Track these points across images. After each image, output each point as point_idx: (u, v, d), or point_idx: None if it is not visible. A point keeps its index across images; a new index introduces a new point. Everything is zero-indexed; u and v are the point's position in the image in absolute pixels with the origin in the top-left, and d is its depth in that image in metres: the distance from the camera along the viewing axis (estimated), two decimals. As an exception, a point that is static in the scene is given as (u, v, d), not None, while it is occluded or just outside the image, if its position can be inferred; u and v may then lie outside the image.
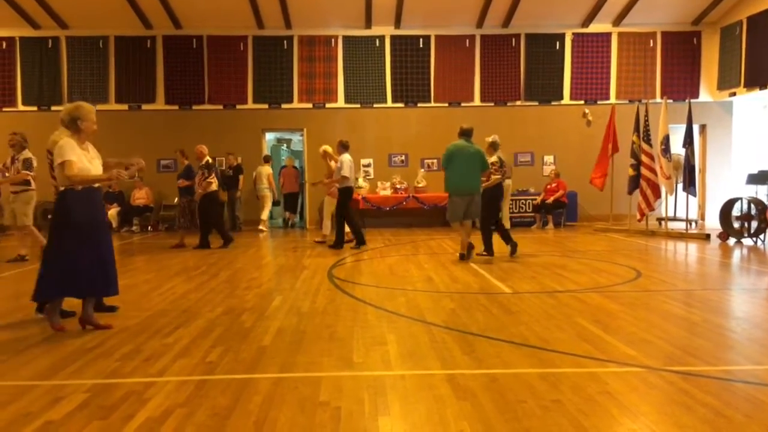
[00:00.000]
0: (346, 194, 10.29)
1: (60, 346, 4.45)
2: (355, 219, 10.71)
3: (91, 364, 4.00)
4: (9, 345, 4.49)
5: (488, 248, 9.02)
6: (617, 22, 15.00)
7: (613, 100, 15.01)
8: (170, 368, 3.88)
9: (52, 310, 4.95)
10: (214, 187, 10.64)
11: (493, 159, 9.18)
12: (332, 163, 10.76)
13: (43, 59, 14.73)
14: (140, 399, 3.33)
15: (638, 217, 12.21)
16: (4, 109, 14.72)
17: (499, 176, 9.18)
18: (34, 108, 14.75)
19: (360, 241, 10.38)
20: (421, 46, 15.04)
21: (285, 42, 14.93)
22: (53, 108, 14.75)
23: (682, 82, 15.20)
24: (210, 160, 10.69)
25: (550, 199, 13.80)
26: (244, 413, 3.12)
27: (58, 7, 14.12)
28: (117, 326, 5.01)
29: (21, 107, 14.76)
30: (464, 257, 8.72)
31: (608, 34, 15.19)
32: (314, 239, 11.71)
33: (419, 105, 15.13)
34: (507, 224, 13.32)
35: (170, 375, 3.75)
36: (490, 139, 9.56)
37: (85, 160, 4.88)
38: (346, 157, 10.30)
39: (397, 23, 14.81)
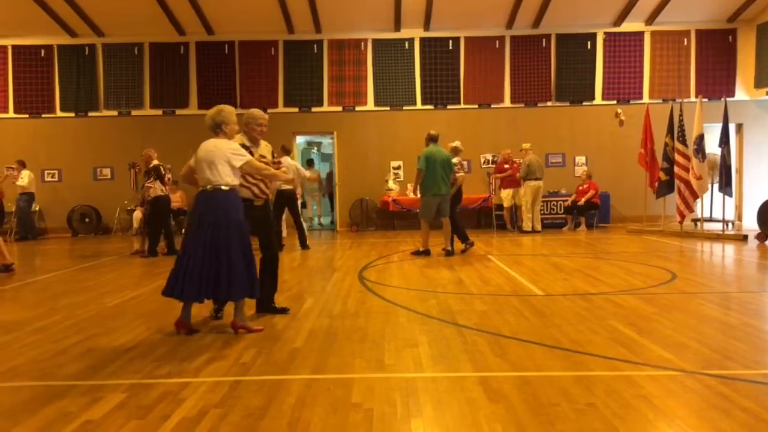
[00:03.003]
0: (280, 198, 10.28)
1: (98, 347, 4.55)
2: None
3: (128, 364, 4.08)
4: (47, 346, 4.60)
5: (465, 237, 9.93)
6: (650, 20, 14.78)
7: (646, 99, 14.79)
8: (204, 369, 3.94)
9: (183, 311, 4.92)
10: (158, 192, 10.31)
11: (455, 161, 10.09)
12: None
13: (80, 66, 15.09)
14: (176, 399, 3.39)
15: (678, 219, 11.96)
16: (44, 116, 15.10)
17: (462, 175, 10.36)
18: (72, 114, 15.11)
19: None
20: (450, 47, 15.02)
21: (315, 46, 15.04)
22: (90, 114, 15.13)
23: (717, 81, 14.91)
24: (157, 165, 10.39)
25: (582, 201, 13.64)
26: (278, 414, 3.16)
27: (95, 15, 14.45)
28: (151, 328, 5.11)
29: (59, 113, 15.13)
30: (451, 253, 9.54)
31: (641, 33, 14.97)
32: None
33: (449, 107, 15.11)
34: (538, 226, 13.27)
35: (205, 376, 3.81)
36: (453, 145, 10.43)
37: None
38: (287, 161, 10.20)
39: (427, 25, 14.81)
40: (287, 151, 10.66)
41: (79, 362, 4.15)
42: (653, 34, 14.95)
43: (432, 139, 9.71)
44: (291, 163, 10.38)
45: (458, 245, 9.90)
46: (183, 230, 14.81)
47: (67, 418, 3.14)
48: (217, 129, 4.99)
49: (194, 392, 3.49)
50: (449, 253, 9.58)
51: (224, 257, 4.74)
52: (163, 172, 10.50)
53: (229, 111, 5.03)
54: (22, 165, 13.83)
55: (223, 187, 4.81)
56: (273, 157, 5.62)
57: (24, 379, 3.84)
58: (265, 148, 5.53)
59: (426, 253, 9.61)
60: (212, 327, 5.11)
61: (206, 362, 4.09)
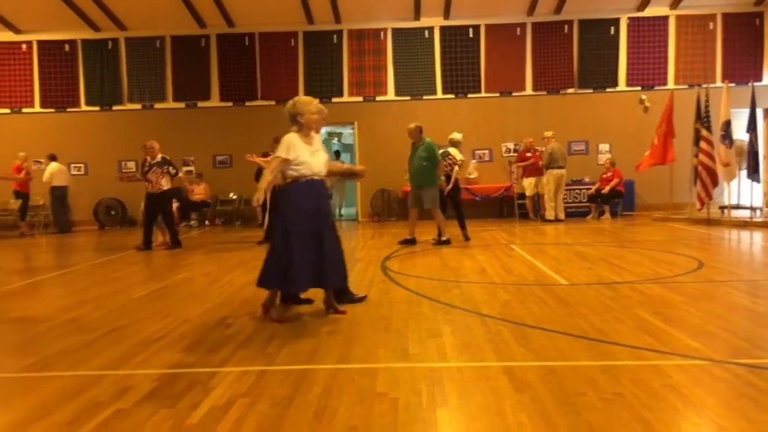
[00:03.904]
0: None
1: (127, 337, 4.62)
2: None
3: (157, 354, 4.15)
4: (78, 337, 4.68)
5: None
6: (675, 4, 14.52)
7: (671, 85, 14.56)
8: (231, 359, 3.99)
9: (270, 301, 5.10)
10: (168, 185, 10.26)
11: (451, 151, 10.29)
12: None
13: (103, 60, 15.26)
14: (204, 388, 3.44)
15: (698, 206, 11.83)
16: (69, 110, 15.32)
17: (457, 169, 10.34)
18: (97, 108, 15.31)
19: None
20: (470, 36, 14.91)
21: (335, 36, 15.03)
22: (114, 108, 15.31)
23: (744, 66, 14.62)
24: (166, 157, 10.27)
25: (606, 189, 13.50)
26: (304, 403, 3.19)
27: (117, 10, 14.58)
28: (178, 319, 5.17)
29: (84, 107, 15.34)
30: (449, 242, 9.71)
31: (665, 18, 14.72)
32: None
33: (469, 96, 15.02)
34: (561, 215, 13.17)
35: (232, 365, 3.85)
36: (451, 137, 10.61)
37: (307, 154, 4.97)
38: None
39: (446, 14, 14.71)
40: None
41: (109, 352, 4.23)
42: (678, 18, 14.69)
43: (422, 132, 9.77)
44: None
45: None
46: (207, 222, 14.99)
47: (99, 407, 3.20)
48: (293, 121, 5.05)
49: (222, 381, 3.54)
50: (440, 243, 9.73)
51: (329, 244, 4.93)
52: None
53: (303, 102, 5.06)
54: (51, 159, 14.04)
55: (320, 177, 5.02)
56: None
57: (56, 369, 3.92)
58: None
59: (446, 242, 9.73)
60: (237, 317, 5.16)
61: (232, 352, 4.14)
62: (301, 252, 4.85)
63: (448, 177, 10.00)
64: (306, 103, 5.07)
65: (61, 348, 4.38)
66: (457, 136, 10.54)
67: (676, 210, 13.21)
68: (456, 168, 10.15)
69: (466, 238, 10.01)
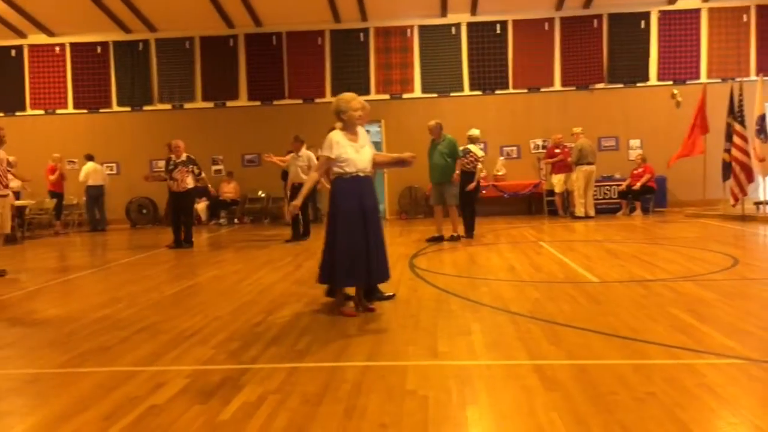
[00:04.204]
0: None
1: (159, 334, 4.69)
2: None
3: (189, 351, 4.20)
4: (112, 333, 4.77)
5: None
6: (707, -4, 14.26)
7: (703, 79, 14.29)
8: (262, 356, 4.03)
9: (338, 298, 5.20)
10: (193, 183, 10.35)
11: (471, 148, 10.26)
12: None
13: (134, 61, 15.51)
14: (236, 385, 3.47)
15: (732, 202, 11.59)
16: (101, 111, 15.60)
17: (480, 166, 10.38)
18: (128, 108, 15.56)
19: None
20: (498, 31, 14.82)
21: (361, 34, 15.06)
22: (145, 108, 15.56)
23: (780, 58, 14.28)
24: (191, 157, 10.39)
25: (637, 185, 13.30)
26: (334, 400, 3.20)
27: (148, 12, 14.80)
28: (209, 316, 5.24)
29: (116, 108, 15.61)
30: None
31: (697, 11, 14.46)
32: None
33: (497, 92, 14.92)
34: (591, 211, 13.00)
35: (262, 362, 3.89)
36: (469, 133, 10.51)
37: (351, 151, 5.02)
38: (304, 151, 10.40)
39: (473, 10, 14.64)
40: (301, 142, 10.46)
41: (143, 348, 4.30)
42: (710, 10, 14.41)
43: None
44: (307, 153, 10.44)
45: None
46: (236, 220, 15.14)
47: (133, 403, 3.26)
48: (338, 118, 5.13)
49: (253, 378, 3.57)
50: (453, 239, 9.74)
51: (374, 240, 4.99)
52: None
53: (345, 99, 5.11)
54: (88, 159, 14.30)
55: (366, 174, 5.08)
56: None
57: (92, 365, 4.00)
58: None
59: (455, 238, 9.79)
60: (267, 313, 5.20)
61: (263, 349, 4.17)
62: (348, 248, 4.90)
63: (470, 174, 9.92)
64: (348, 100, 5.11)
65: (97, 344, 4.47)
66: (475, 132, 10.49)
67: (710, 206, 12.96)
68: (479, 165, 10.09)
69: (470, 236, 10.00)
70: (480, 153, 10.24)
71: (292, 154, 10.60)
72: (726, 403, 2.99)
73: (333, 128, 5.36)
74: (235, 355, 4.06)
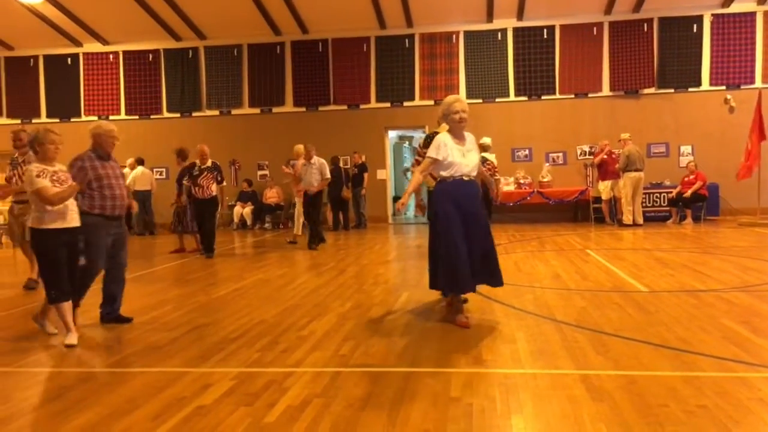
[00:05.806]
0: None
1: (206, 336, 4.78)
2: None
3: (235, 353, 4.27)
4: (160, 335, 4.89)
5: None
6: (762, 0, 13.79)
7: (759, 84, 13.84)
8: (306, 360, 4.06)
9: (450, 306, 5.19)
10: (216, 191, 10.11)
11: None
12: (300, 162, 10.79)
13: (184, 68, 15.89)
14: (281, 388, 3.51)
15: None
16: (152, 117, 16.02)
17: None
18: (177, 114, 15.95)
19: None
20: (545, 36, 14.66)
21: (406, 40, 15.10)
22: (194, 114, 15.92)
23: (841, 61, 13.74)
24: (216, 163, 10.16)
25: (688, 192, 12.95)
26: (378, 405, 3.21)
27: (197, 20, 15.15)
28: (254, 319, 5.31)
29: (166, 114, 16.01)
30: None
31: (752, 14, 14.03)
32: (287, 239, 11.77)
33: (543, 98, 14.75)
34: (640, 219, 12.70)
35: (306, 366, 3.92)
36: (481, 141, 9.97)
37: (457, 154, 4.88)
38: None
39: (520, 15, 14.52)
40: (311, 149, 10.62)
41: (190, 350, 4.39)
42: (766, 14, 13.95)
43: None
44: (320, 160, 10.54)
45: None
46: (280, 224, 15.31)
47: (181, 403, 3.33)
48: (443, 120, 5.08)
49: (297, 381, 3.61)
50: None
51: (480, 244, 4.87)
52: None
53: (446, 102, 5.00)
54: (138, 163, 14.65)
55: (470, 178, 4.98)
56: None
57: (141, 365, 4.10)
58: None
59: None
60: (311, 318, 5.25)
61: (307, 353, 4.21)
62: (448, 252, 4.80)
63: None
64: (449, 102, 4.98)
65: (146, 345, 4.58)
66: (486, 140, 10.37)
67: (765, 215, 12.52)
68: (497, 175, 9.89)
69: None
70: (495, 161, 10.08)
71: (303, 162, 10.69)
72: (783, 420, 2.88)
73: (435, 132, 5.33)
74: (280, 359, 4.11)
